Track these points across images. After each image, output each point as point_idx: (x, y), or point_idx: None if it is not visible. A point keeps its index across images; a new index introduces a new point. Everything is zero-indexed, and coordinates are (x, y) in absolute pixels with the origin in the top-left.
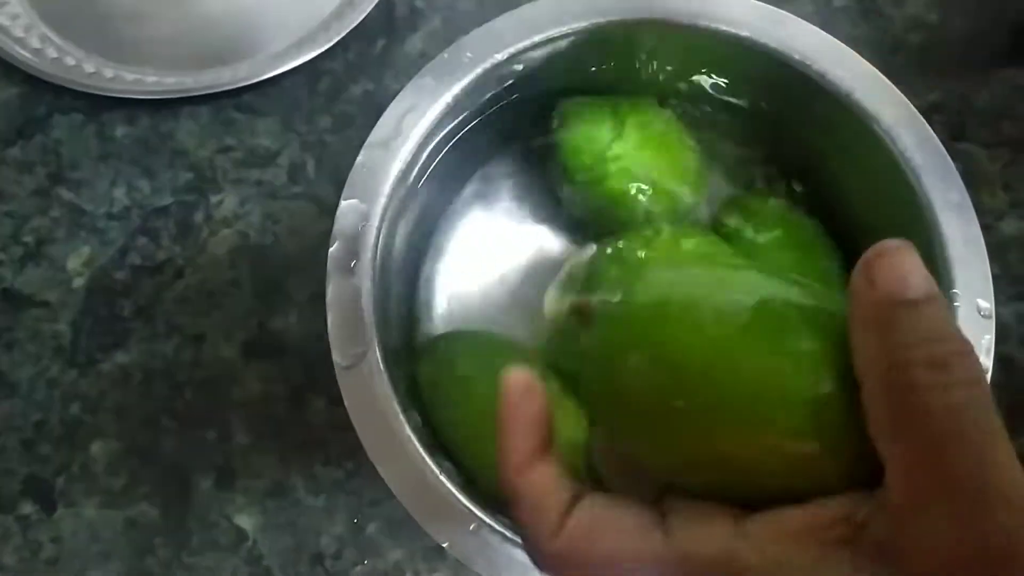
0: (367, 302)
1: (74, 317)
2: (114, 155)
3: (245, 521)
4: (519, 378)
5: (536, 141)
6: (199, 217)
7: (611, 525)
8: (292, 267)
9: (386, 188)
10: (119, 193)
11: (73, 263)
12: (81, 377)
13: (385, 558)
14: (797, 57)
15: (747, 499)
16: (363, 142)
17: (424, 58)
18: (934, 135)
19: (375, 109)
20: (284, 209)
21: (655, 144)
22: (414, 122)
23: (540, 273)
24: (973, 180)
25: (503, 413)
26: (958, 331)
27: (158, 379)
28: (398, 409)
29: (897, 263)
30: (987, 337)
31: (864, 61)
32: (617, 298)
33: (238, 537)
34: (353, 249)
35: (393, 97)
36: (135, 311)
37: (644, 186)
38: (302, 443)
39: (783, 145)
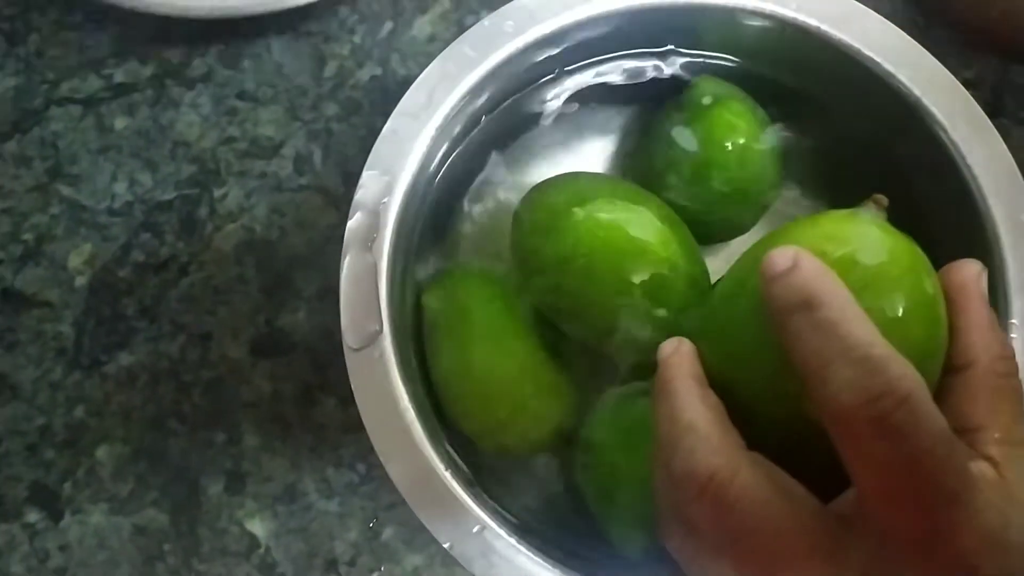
0: (384, 280)
1: (77, 317)
2: (114, 148)
3: (257, 526)
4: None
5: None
6: (203, 211)
7: (781, 480)
8: (300, 261)
9: (413, 160)
10: (120, 188)
11: (74, 261)
12: (85, 379)
13: (402, 564)
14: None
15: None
16: (370, 129)
17: (434, 42)
18: (1008, 153)
19: (383, 95)
20: (290, 201)
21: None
22: (446, 92)
23: None
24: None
25: (666, 369)
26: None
27: (164, 380)
28: (408, 400)
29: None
30: None
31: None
32: None
33: (250, 543)
34: (373, 223)
35: (401, 82)
36: (139, 310)
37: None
38: (313, 445)
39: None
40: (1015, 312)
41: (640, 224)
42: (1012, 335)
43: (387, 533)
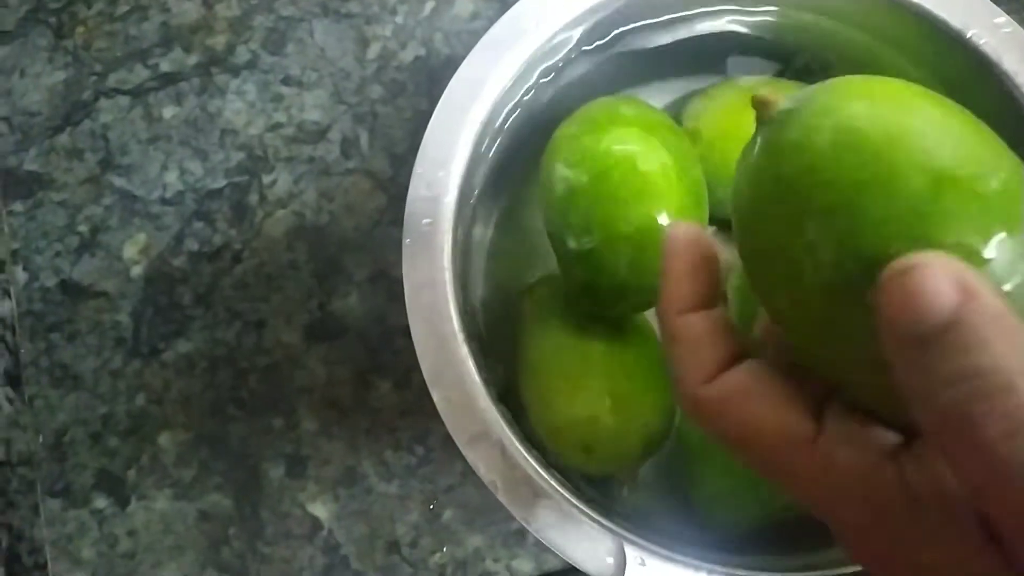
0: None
1: (134, 307)
2: (163, 137)
3: (319, 509)
4: (684, 228)
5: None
6: (253, 199)
7: (768, 391)
8: (349, 245)
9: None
10: (171, 177)
11: (129, 251)
12: (145, 367)
13: (464, 545)
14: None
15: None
16: (416, 111)
17: (477, 19)
18: None
19: (427, 75)
20: (338, 186)
21: None
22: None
23: None
24: None
25: (664, 257)
26: (996, 356)
27: (222, 367)
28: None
29: (910, 284)
30: None
31: None
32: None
33: (313, 526)
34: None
35: (445, 62)
36: (195, 298)
37: None
38: (370, 428)
39: None
40: None
41: None
42: None
43: (447, 515)
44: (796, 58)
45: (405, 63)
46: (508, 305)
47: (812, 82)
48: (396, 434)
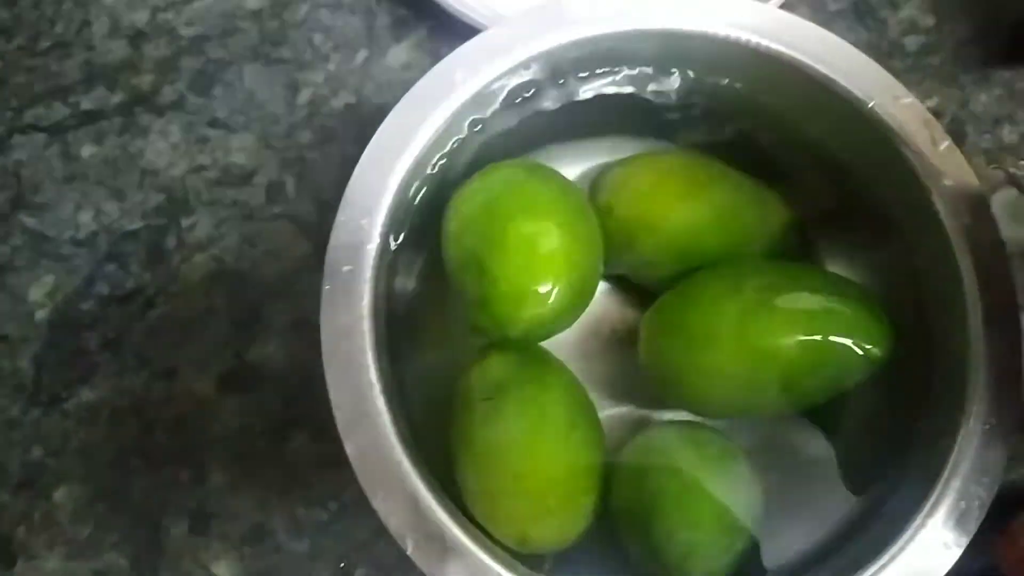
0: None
1: (36, 352)
2: (80, 176)
3: (222, 569)
4: None
5: None
6: (171, 242)
7: None
8: (271, 293)
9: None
10: (85, 217)
11: (35, 294)
12: (44, 417)
13: None
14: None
15: None
16: (345, 158)
17: (409, 69)
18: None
19: (358, 123)
20: (262, 231)
21: None
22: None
23: None
24: None
25: None
26: None
27: (127, 417)
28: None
29: None
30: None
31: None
32: None
33: None
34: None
35: (376, 111)
36: (102, 344)
37: None
38: (283, 482)
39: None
40: None
41: None
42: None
43: (359, 573)
44: (725, 126)
45: (336, 110)
46: (433, 358)
47: (740, 150)
48: (310, 489)
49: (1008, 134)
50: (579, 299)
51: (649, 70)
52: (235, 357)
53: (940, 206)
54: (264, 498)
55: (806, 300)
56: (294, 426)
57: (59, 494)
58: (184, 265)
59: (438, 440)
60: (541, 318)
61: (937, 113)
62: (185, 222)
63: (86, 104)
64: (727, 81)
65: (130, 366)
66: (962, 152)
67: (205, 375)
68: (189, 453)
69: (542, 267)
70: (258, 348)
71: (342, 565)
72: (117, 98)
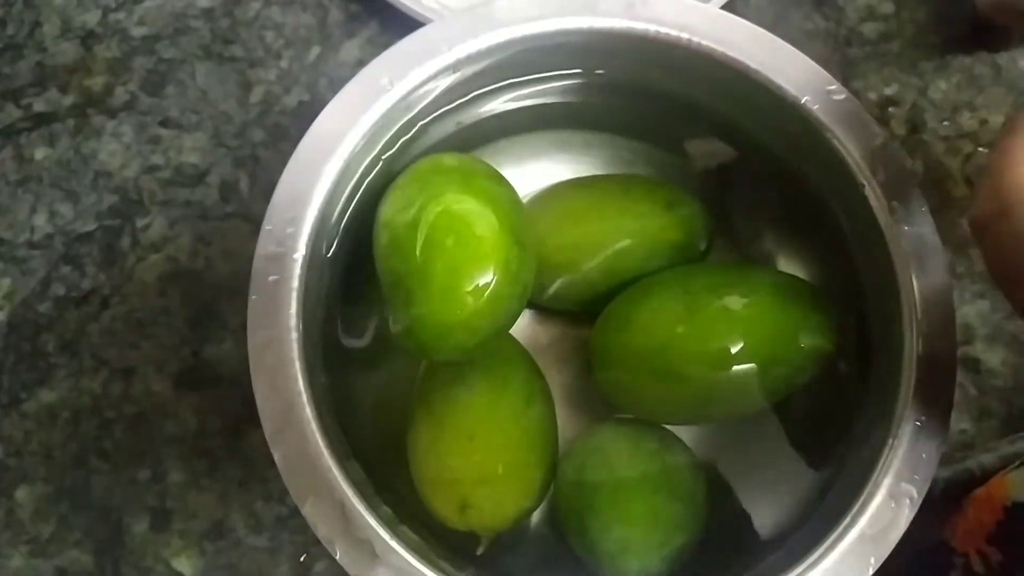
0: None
1: None
2: (33, 179)
3: (184, 564)
4: None
5: None
6: (126, 242)
7: None
8: (226, 291)
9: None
10: (40, 220)
11: None
12: (4, 418)
13: None
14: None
15: None
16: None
17: (362, 65)
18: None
19: (311, 120)
20: (216, 230)
21: None
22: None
23: None
24: (933, 174)
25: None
26: None
27: (86, 417)
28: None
29: None
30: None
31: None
32: None
33: None
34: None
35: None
36: (60, 346)
37: None
38: (242, 479)
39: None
40: None
41: None
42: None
43: (319, 567)
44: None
45: (289, 108)
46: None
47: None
48: (268, 484)
49: (967, 120)
50: (504, 326)
51: (579, 71)
52: (192, 356)
53: (874, 201)
54: (224, 494)
55: (755, 299)
56: (251, 423)
57: (20, 493)
58: (139, 265)
59: (384, 441)
60: (464, 346)
61: (896, 101)
62: (139, 222)
63: (39, 106)
64: (661, 80)
65: (88, 366)
66: (922, 140)
67: (162, 374)
68: (148, 451)
69: (468, 298)
70: (214, 346)
71: (302, 559)
72: (69, 100)
